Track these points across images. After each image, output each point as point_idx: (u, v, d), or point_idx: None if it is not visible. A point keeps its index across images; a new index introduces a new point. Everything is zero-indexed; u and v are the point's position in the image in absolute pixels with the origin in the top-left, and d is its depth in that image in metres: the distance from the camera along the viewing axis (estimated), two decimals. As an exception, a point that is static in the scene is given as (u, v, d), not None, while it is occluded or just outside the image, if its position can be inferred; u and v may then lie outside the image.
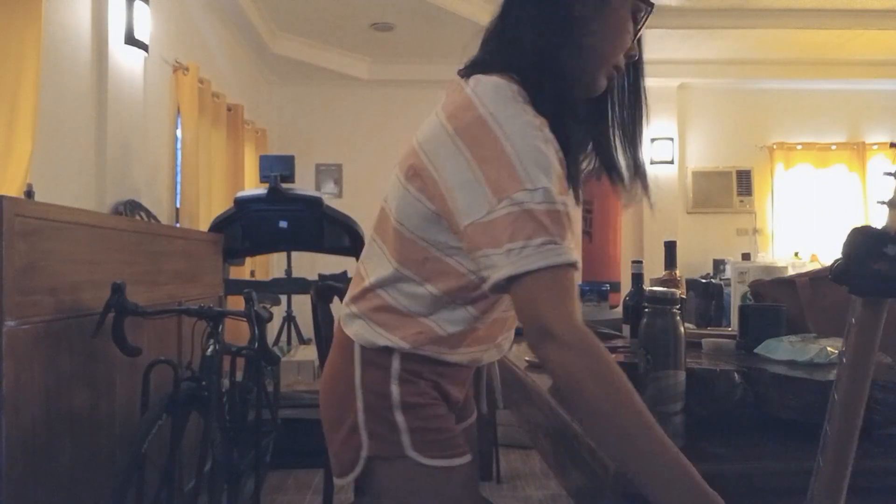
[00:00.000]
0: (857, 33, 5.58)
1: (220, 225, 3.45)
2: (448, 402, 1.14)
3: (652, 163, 6.53)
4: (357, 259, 1.28)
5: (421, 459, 1.05)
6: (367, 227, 4.39)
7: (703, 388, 1.07)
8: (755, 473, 0.94)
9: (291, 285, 3.94)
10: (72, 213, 1.87)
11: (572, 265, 0.87)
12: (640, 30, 1.08)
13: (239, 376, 2.38)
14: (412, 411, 1.06)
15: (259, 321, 2.01)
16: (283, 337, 4.53)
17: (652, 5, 1.07)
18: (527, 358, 1.82)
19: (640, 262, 1.74)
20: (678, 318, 1.01)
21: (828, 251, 6.07)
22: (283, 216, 3.47)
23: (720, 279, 2.54)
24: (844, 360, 0.73)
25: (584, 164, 1.13)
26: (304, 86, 6.51)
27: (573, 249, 0.88)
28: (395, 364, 1.07)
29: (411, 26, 5.50)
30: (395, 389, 1.06)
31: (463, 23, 5.35)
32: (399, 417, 1.06)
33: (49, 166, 2.78)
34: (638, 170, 1.13)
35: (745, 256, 5.44)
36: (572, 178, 1.02)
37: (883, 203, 0.71)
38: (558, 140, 0.97)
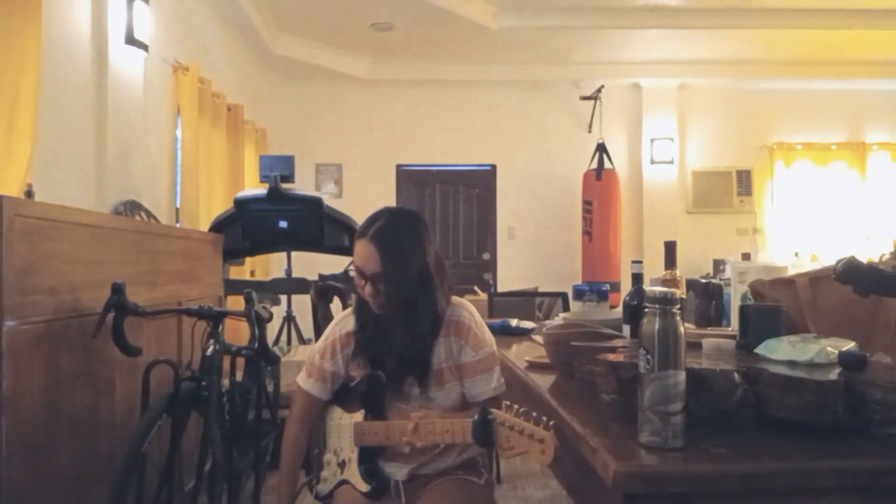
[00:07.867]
0: (857, 33, 5.57)
1: (220, 225, 3.45)
2: None
3: (652, 163, 6.53)
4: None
5: None
6: (367, 227, 4.28)
7: (703, 388, 1.07)
8: (755, 473, 0.94)
9: (291, 285, 3.94)
10: (72, 213, 1.87)
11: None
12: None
13: (239, 376, 2.38)
14: None
15: (259, 321, 2.01)
16: (283, 337, 4.52)
17: None
18: (527, 358, 1.82)
19: (640, 262, 1.74)
20: (678, 318, 1.01)
21: (828, 251, 6.06)
22: (283, 216, 3.46)
23: (720, 279, 2.54)
24: None
25: None
26: (304, 86, 6.51)
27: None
28: None
29: (411, 26, 5.50)
30: None
31: (463, 23, 5.34)
32: None
33: (49, 166, 2.78)
34: None
35: (745, 256, 5.44)
36: None
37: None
38: None
